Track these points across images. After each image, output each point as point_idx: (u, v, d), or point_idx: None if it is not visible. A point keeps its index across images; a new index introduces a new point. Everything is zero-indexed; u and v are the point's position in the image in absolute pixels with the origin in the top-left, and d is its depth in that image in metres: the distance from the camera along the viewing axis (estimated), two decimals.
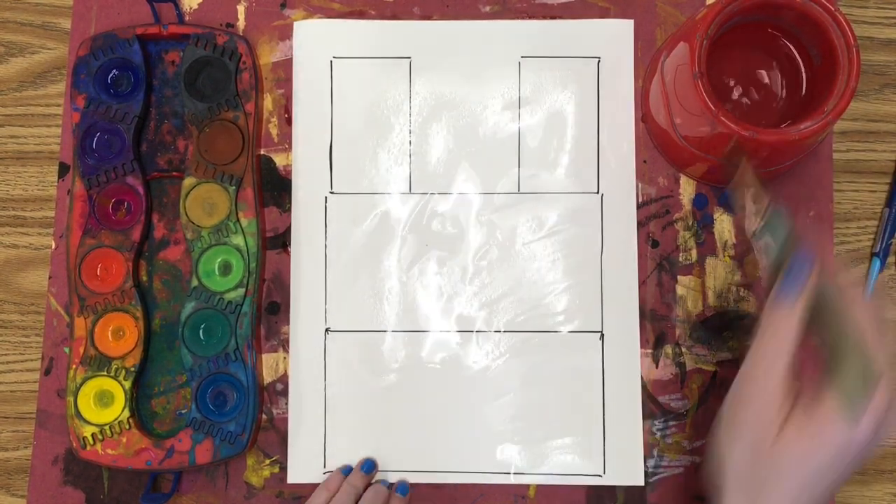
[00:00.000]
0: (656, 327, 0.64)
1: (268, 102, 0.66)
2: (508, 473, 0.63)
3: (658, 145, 0.65)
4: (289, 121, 0.66)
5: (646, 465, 0.63)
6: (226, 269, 0.63)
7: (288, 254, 0.65)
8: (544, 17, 0.66)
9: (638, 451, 0.63)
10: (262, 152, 0.66)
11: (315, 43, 0.66)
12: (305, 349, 0.64)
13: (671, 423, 0.63)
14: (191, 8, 0.67)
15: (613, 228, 0.65)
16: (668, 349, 0.64)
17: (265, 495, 0.63)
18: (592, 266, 0.64)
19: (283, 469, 0.63)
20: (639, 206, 0.65)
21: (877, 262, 0.66)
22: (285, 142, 0.66)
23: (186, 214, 0.63)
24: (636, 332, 0.64)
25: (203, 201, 0.64)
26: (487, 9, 0.66)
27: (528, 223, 0.65)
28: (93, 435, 0.62)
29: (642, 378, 0.64)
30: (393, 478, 0.63)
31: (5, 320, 0.66)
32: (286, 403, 0.64)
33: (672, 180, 0.65)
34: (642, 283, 0.64)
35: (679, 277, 0.64)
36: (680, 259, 0.65)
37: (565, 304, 0.64)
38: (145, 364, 0.64)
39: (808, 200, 0.65)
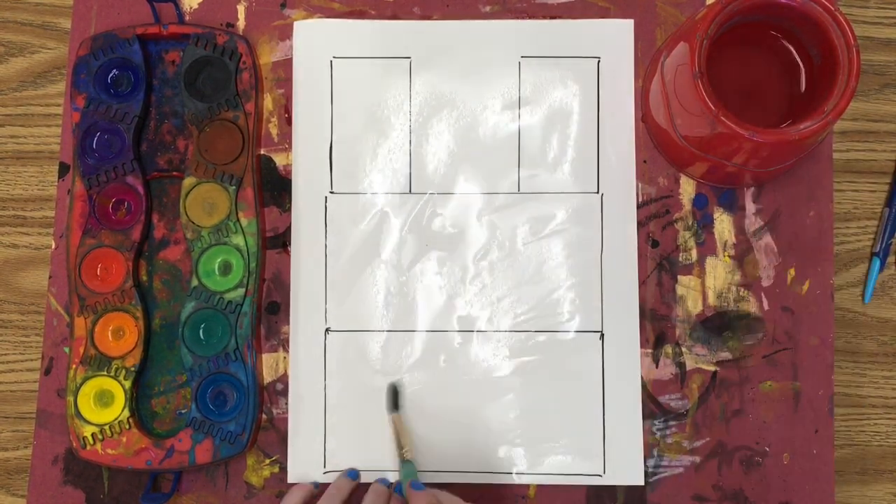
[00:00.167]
0: (656, 327, 0.64)
1: (268, 102, 0.66)
2: (508, 473, 0.63)
3: (658, 145, 0.65)
4: (289, 121, 0.66)
5: (646, 465, 0.63)
6: (226, 268, 0.63)
7: (288, 254, 0.65)
8: (544, 17, 0.66)
9: (638, 451, 0.63)
10: (262, 152, 0.66)
11: (315, 43, 0.66)
12: (305, 349, 0.64)
13: (671, 423, 0.63)
14: (191, 8, 0.67)
15: (613, 228, 0.65)
16: (668, 349, 0.64)
17: (265, 495, 0.63)
18: (592, 266, 0.64)
19: (283, 469, 0.63)
20: (639, 206, 0.65)
21: (877, 262, 0.66)
22: (285, 142, 0.66)
23: (186, 214, 0.63)
24: (636, 332, 0.64)
25: (203, 201, 0.64)
26: (487, 9, 0.66)
27: (528, 223, 0.65)
28: (93, 435, 0.62)
29: (642, 378, 0.64)
30: (393, 478, 0.63)
31: (5, 320, 0.66)
32: (286, 403, 0.64)
33: (672, 180, 0.65)
34: (642, 283, 0.64)
35: (679, 277, 0.64)
36: (680, 259, 0.65)
37: (565, 303, 0.64)
38: (145, 364, 0.64)
39: (808, 200, 0.65)
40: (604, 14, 0.66)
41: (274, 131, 0.66)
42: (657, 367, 0.64)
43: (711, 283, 0.64)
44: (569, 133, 0.65)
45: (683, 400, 0.64)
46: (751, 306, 0.64)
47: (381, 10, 0.67)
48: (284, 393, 0.64)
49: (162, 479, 0.64)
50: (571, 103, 0.66)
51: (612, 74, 0.66)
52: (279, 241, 0.65)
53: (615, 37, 0.66)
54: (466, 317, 0.64)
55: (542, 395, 0.64)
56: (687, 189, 0.65)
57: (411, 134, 0.66)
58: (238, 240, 0.63)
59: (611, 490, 0.63)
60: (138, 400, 0.64)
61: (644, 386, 0.64)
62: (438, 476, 0.63)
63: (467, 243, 0.65)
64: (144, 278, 0.65)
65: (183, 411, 0.64)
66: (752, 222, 0.65)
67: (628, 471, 0.63)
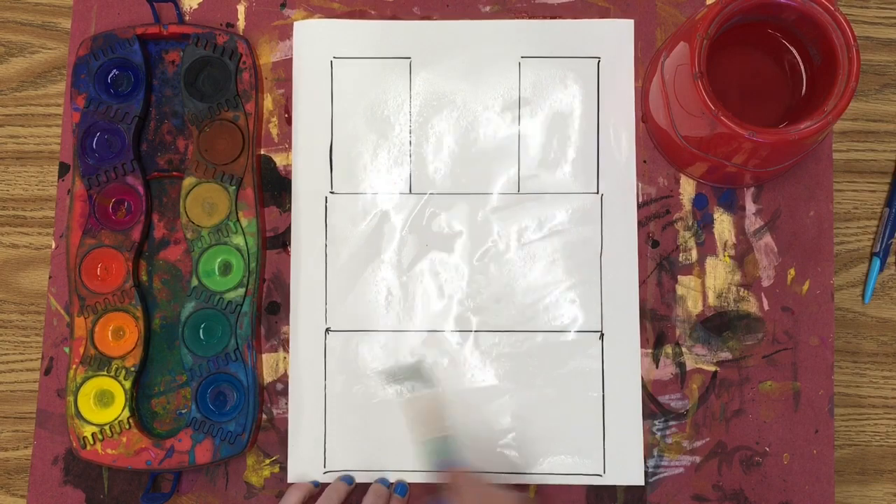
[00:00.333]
0: (656, 327, 0.64)
1: (268, 102, 0.66)
2: (508, 473, 0.63)
3: (658, 145, 0.65)
4: (289, 121, 0.66)
5: (646, 465, 0.63)
6: (226, 268, 0.63)
7: (288, 254, 0.65)
8: (544, 17, 0.66)
9: (638, 451, 0.63)
10: (262, 152, 0.66)
11: (315, 43, 0.66)
12: (305, 349, 0.64)
13: (671, 423, 0.63)
14: (191, 8, 0.67)
15: (613, 228, 0.65)
16: (668, 349, 0.64)
17: (265, 495, 0.63)
18: (592, 266, 0.64)
19: (283, 469, 0.63)
20: (639, 206, 0.65)
21: (877, 262, 0.66)
22: (285, 142, 0.66)
23: (186, 214, 0.63)
24: (636, 332, 0.64)
25: (203, 201, 0.64)
26: (487, 9, 0.66)
27: (528, 223, 0.65)
28: (93, 435, 0.62)
29: (642, 378, 0.64)
30: (392, 478, 0.63)
31: (5, 320, 0.66)
32: (286, 403, 0.64)
33: (672, 180, 0.65)
34: (642, 283, 0.64)
35: (679, 277, 0.64)
36: (680, 259, 0.65)
37: (565, 304, 0.64)
38: (145, 364, 0.64)
39: (808, 200, 0.65)
40: (604, 14, 0.66)
41: (274, 131, 0.66)
42: (657, 367, 0.64)
43: (711, 283, 0.64)
44: (569, 133, 0.65)
45: (683, 400, 0.64)
46: (751, 306, 0.64)
47: (381, 10, 0.67)
48: (284, 393, 0.64)
49: (162, 479, 0.64)
50: (571, 103, 0.66)
51: (612, 74, 0.66)
52: (279, 241, 0.65)
53: (615, 37, 0.66)
54: (466, 317, 0.64)
55: (542, 395, 0.64)
56: (687, 189, 0.65)
57: (411, 134, 0.66)
58: (238, 240, 0.63)
59: (611, 490, 0.63)
60: (138, 400, 0.64)
61: (644, 386, 0.64)
62: (438, 476, 0.63)
63: (467, 243, 0.65)
64: (144, 278, 0.65)
65: (183, 411, 0.64)
66: (752, 222, 0.65)
67: (628, 471, 0.63)
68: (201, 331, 0.63)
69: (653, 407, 0.64)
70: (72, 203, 0.64)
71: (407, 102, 0.66)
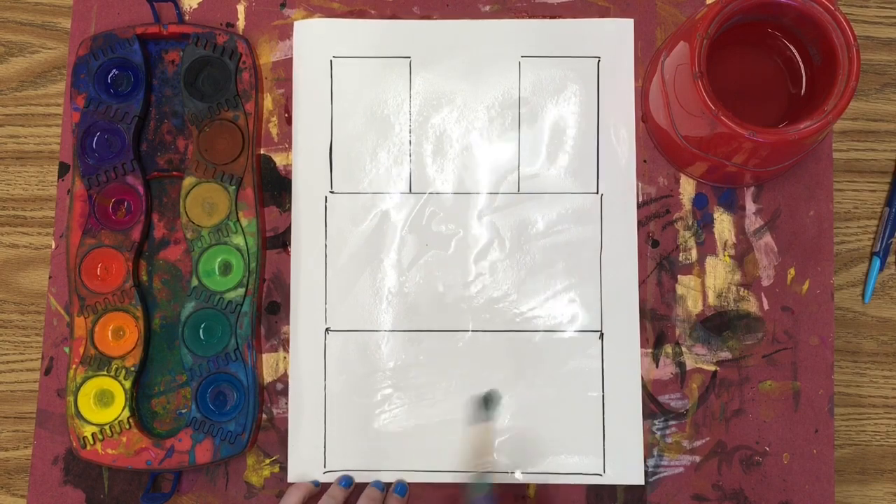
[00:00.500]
0: (656, 327, 0.64)
1: (268, 102, 0.66)
2: (508, 473, 0.63)
3: (658, 145, 0.65)
4: (289, 120, 0.66)
5: (646, 465, 0.63)
6: (226, 268, 0.63)
7: (288, 253, 0.65)
8: (544, 17, 0.66)
9: (638, 451, 0.63)
10: (262, 152, 0.66)
11: (315, 43, 0.66)
12: (305, 349, 0.64)
13: (671, 422, 0.63)
14: (191, 7, 0.67)
15: (613, 228, 0.65)
16: (668, 349, 0.64)
17: (265, 495, 0.63)
18: (592, 266, 0.64)
19: (283, 469, 0.63)
20: (639, 206, 0.65)
21: (877, 262, 0.66)
22: (285, 141, 0.66)
23: (186, 214, 0.63)
24: (636, 332, 0.64)
25: (203, 201, 0.64)
26: (487, 8, 0.66)
27: (528, 223, 0.65)
28: (93, 435, 0.62)
29: (642, 378, 0.64)
30: (392, 477, 0.63)
31: (5, 320, 0.66)
32: (286, 403, 0.64)
33: (672, 180, 0.65)
34: (642, 283, 0.64)
35: (679, 277, 0.64)
36: (680, 259, 0.65)
37: (565, 303, 0.64)
38: (145, 364, 0.64)
39: (808, 200, 0.65)
40: (604, 14, 0.66)
41: (274, 131, 0.66)
42: (657, 366, 0.64)
43: (711, 282, 0.64)
44: (569, 133, 0.65)
45: (683, 400, 0.64)
46: (751, 306, 0.64)
47: (381, 10, 0.67)
48: (284, 393, 0.64)
49: (162, 479, 0.64)
50: (571, 103, 0.66)
51: (612, 74, 0.66)
52: (279, 241, 0.65)
53: (615, 36, 0.66)
54: (466, 317, 0.64)
55: (542, 395, 0.64)
56: (687, 189, 0.65)
57: (411, 134, 0.66)
58: (238, 240, 0.63)
59: (611, 490, 0.63)
60: (138, 400, 0.64)
61: (644, 386, 0.64)
62: (438, 476, 0.63)
63: (467, 243, 0.65)
64: (144, 278, 0.65)
65: (183, 411, 0.64)
66: (752, 222, 0.65)
67: (628, 470, 0.63)
68: (201, 331, 0.63)
69: (653, 407, 0.64)
70: (72, 203, 0.64)
71: (407, 102, 0.66)
